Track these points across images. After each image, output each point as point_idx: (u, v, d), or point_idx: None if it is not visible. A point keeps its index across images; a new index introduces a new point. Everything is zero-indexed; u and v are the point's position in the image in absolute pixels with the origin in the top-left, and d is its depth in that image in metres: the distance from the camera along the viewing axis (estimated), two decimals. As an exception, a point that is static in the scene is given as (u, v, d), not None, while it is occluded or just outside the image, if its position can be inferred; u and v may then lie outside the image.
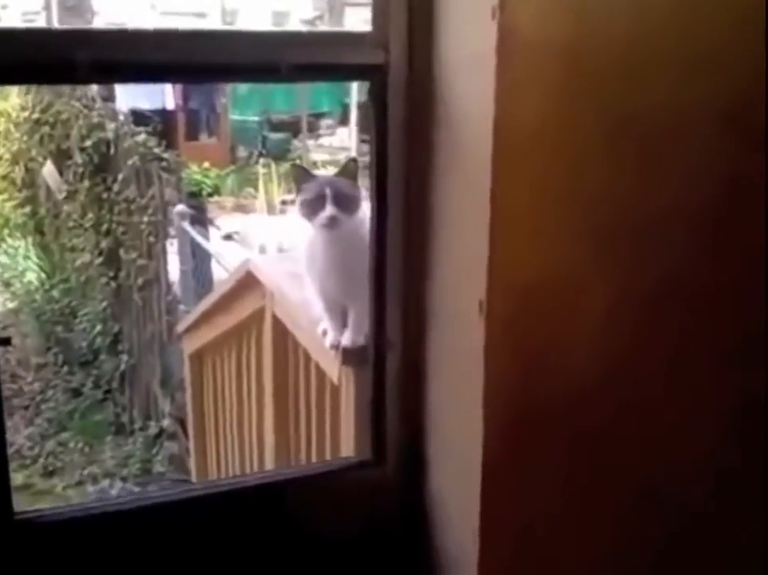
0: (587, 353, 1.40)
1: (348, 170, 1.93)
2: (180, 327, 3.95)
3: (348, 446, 2.02)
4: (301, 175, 1.95)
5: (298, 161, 12.44)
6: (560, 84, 1.32)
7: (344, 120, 14.40)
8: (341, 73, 1.61)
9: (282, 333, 2.59)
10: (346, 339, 2.00)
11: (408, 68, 1.56)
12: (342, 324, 2.02)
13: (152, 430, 5.36)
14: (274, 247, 9.56)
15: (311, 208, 1.88)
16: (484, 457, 1.44)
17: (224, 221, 10.88)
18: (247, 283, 2.83)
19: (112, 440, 5.70)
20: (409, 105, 1.57)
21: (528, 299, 1.38)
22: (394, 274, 1.64)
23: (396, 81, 1.56)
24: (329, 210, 1.86)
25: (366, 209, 1.86)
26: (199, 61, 1.42)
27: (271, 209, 11.39)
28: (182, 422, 4.99)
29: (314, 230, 1.91)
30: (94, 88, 6.20)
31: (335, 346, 2.02)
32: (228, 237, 10.55)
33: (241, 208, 11.79)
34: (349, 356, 2.01)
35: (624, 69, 1.31)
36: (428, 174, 1.55)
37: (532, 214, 1.38)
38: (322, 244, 1.92)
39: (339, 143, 14.56)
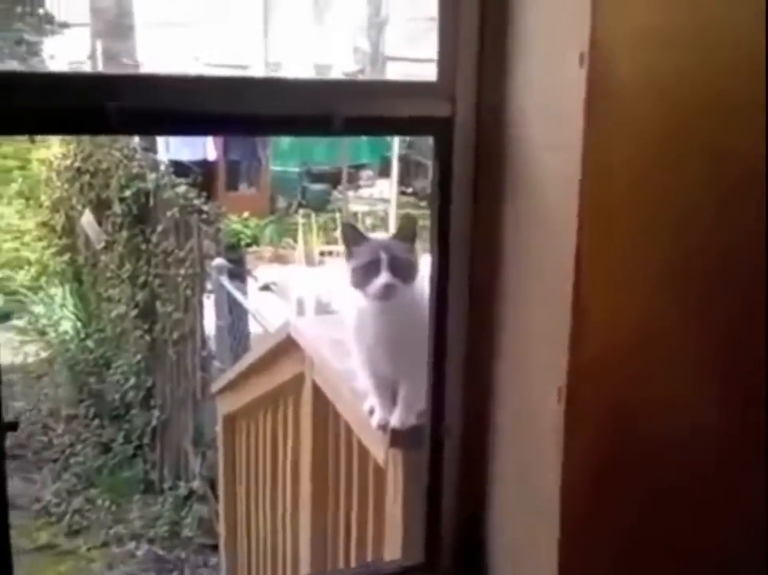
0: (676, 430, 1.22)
1: (405, 231, 1.74)
2: (215, 387, 3.77)
3: (394, 543, 1.80)
4: (353, 236, 1.76)
5: (338, 213, 12.45)
6: (658, 128, 1.16)
7: (384, 172, 14.40)
8: (400, 126, 1.44)
9: (322, 403, 2.40)
10: (395, 419, 1.79)
11: (477, 121, 1.43)
12: (392, 402, 1.82)
13: (182, 490, 5.15)
14: (312, 299, 9.44)
15: (364, 275, 1.70)
16: (561, 568, 1.26)
17: (262, 272, 10.80)
18: (287, 346, 2.65)
19: (140, 499, 5.50)
20: (478, 162, 1.44)
21: (610, 377, 1.21)
22: (456, 350, 1.48)
23: (463, 136, 1.42)
24: (384, 277, 1.67)
25: (424, 276, 1.67)
26: (245, 112, 1.27)
27: (309, 260, 11.30)
28: (212, 483, 4.79)
29: (366, 298, 1.71)
30: (136, 138, 6.17)
31: (383, 427, 1.82)
32: (266, 288, 10.44)
33: (279, 259, 11.72)
34: (398, 438, 1.80)
35: (722, 103, 1.17)
36: (498, 240, 1.38)
37: (624, 282, 1.20)
38: (374, 315, 1.73)
39: (379, 194, 14.54)
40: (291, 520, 2.85)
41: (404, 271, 1.68)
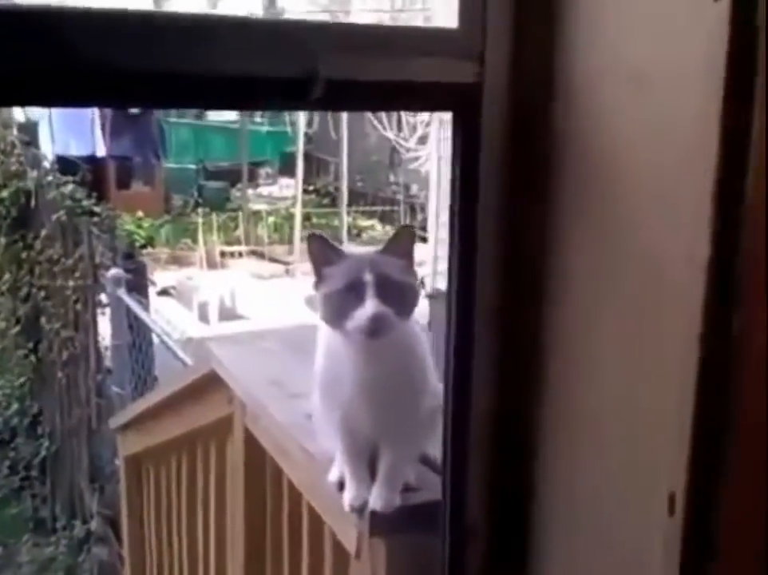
0: None
1: (398, 243, 1.24)
2: (114, 423, 3.20)
3: None
4: (322, 251, 1.23)
5: (240, 212, 11.87)
6: None
7: (284, 170, 13.93)
8: (403, 97, 0.96)
9: (257, 457, 1.91)
10: (376, 499, 1.31)
11: (514, 88, 0.96)
12: (369, 474, 1.35)
13: (78, 530, 4.53)
14: (216, 303, 8.86)
15: (341, 305, 1.19)
16: None
17: (159, 275, 10.14)
18: (207, 382, 2.14)
19: (30, 539, 4.84)
20: (516, 148, 0.97)
21: None
22: (483, 417, 1.04)
23: (494, 110, 0.96)
24: (370, 307, 1.17)
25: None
26: (174, 68, 0.78)
27: (210, 262, 10.71)
28: (111, 522, 4.20)
29: (343, 337, 1.23)
30: (14, 131, 5.45)
31: (358, 509, 1.34)
32: (164, 292, 9.80)
33: (177, 260, 11.11)
34: (380, 524, 1.33)
35: None
36: (552, 253, 0.94)
37: None
38: (356, 360, 1.24)
39: (279, 192, 14.06)
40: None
41: (398, 297, 1.19)
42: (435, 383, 1.34)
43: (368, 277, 1.18)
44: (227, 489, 2.18)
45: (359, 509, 1.34)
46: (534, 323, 0.96)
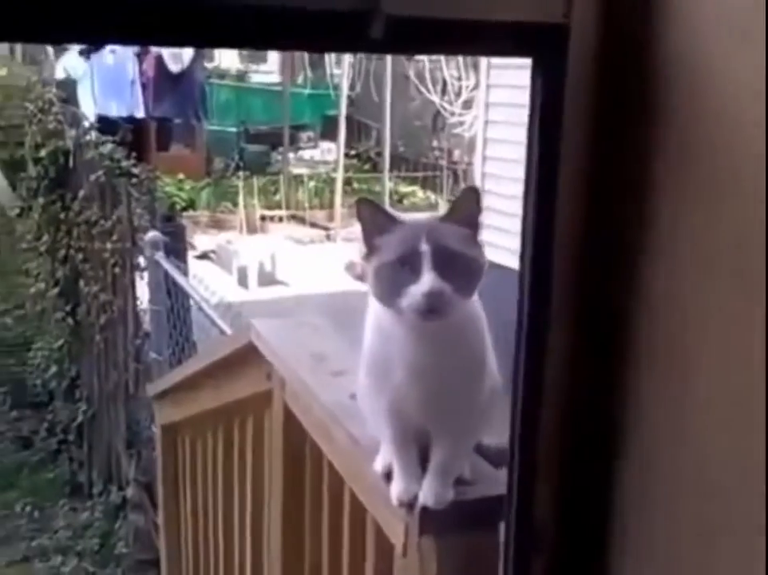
0: None
1: (463, 210, 1.08)
2: (151, 390, 3.12)
3: None
4: (374, 219, 1.08)
5: (280, 176, 11.75)
6: None
7: (325, 133, 13.74)
8: (477, 40, 0.82)
9: (298, 435, 1.79)
10: (428, 494, 1.19)
11: (605, 33, 0.82)
12: (419, 466, 1.22)
13: (114, 497, 4.48)
14: (255, 268, 8.78)
15: (393, 280, 1.04)
16: None
17: (199, 239, 10.08)
18: (246, 355, 2.03)
19: (66, 504, 4.82)
20: (602, 98, 0.84)
21: None
22: (554, 402, 0.93)
23: (581, 55, 0.83)
24: (427, 282, 1.02)
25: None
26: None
27: (250, 226, 10.61)
28: (148, 489, 4.14)
29: (397, 316, 1.09)
30: (53, 89, 5.34)
31: (408, 504, 1.22)
32: (204, 256, 9.73)
33: (217, 224, 11.02)
34: (432, 521, 1.21)
35: None
36: (640, 230, 0.81)
37: None
38: (409, 342, 1.11)
39: (320, 156, 13.89)
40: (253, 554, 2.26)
41: (459, 272, 1.04)
42: (493, 365, 1.21)
43: (425, 247, 1.03)
44: (265, 467, 2.08)
45: (408, 504, 1.21)
46: (622, 289, 0.82)
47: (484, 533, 1.25)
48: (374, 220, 1.08)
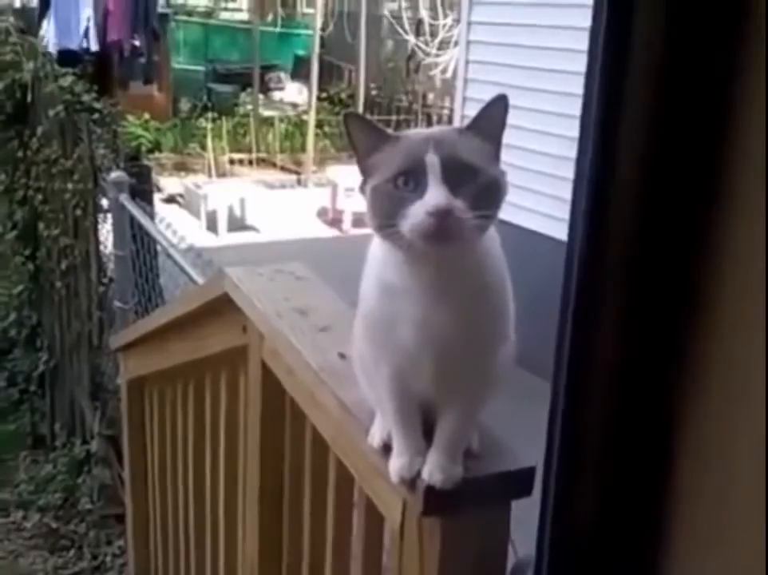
0: None
1: (489, 120, 0.87)
2: (115, 343, 2.92)
3: None
4: (365, 132, 0.89)
5: (250, 117, 11.39)
6: None
7: (295, 74, 13.38)
8: None
9: (276, 395, 1.62)
10: (435, 471, 1.02)
11: None
12: (425, 436, 1.06)
13: (78, 450, 4.30)
14: (224, 213, 8.52)
15: (392, 199, 0.84)
16: None
17: (165, 182, 9.78)
18: (220, 306, 1.84)
19: (28, 456, 4.63)
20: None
21: None
22: (602, 387, 0.76)
23: None
24: (433, 195, 0.82)
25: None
26: None
27: (219, 170, 10.32)
28: (115, 443, 3.96)
29: (397, 252, 0.90)
30: (10, 18, 5.00)
31: (409, 481, 1.06)
32: (171, 200, 9.45)
33: (184, 167, 10.71)
34: (436, 502, 1.05)
35: None
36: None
37: None
38: (419, 292, 0.91)
39: (289, 98, 13.54)
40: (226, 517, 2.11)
41: (474, 188, 0.83)
42: (512, 326, 1.04)
43: (432, 158, 0.84)
44: (239, 427, 1.91)
45: (410, 482, 1.05)
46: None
47: (493, 513, 1.10)
48: (366, 135, 0.89)
